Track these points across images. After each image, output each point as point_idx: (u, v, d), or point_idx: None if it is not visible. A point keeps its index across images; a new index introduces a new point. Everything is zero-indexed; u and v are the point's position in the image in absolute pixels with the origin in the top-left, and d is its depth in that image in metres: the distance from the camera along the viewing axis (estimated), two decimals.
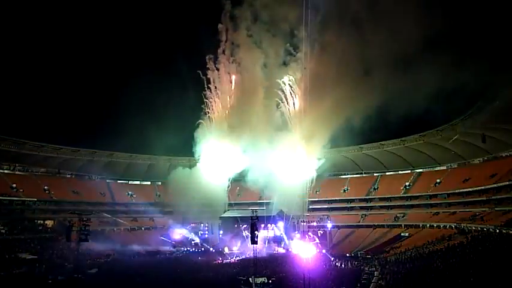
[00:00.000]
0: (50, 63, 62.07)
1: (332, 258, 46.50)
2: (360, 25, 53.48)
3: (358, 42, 54.14)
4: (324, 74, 57.91)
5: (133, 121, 62.68)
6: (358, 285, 27.88)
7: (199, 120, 69.39)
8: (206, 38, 67.24)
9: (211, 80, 68.65)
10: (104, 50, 66.85)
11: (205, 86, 68.45)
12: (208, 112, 70.30)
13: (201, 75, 67.29)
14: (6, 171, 62.24)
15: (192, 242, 62.00)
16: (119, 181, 75.95)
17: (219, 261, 48.38)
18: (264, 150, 61.24)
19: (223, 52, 67.44)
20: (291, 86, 65.22)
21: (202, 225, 64.00)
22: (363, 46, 53.87)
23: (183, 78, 66.48)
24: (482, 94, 47.41)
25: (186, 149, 69.84)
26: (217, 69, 68.08)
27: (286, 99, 65.75)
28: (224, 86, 69.32)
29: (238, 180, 67.78)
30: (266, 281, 30.61)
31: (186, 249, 59.64)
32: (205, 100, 69.87)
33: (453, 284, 22.64)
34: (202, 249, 59.79)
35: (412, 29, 45.49)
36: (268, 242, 58.36)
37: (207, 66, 67.54)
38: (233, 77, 68.61)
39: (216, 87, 69.34)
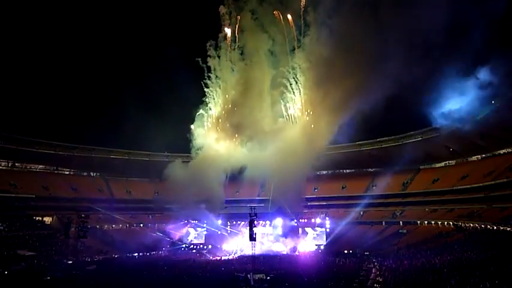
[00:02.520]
0: (47, 59, 62.03)
1: (330, 255, 46.61)
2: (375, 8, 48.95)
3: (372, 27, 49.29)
4: (332, 62, 54.19)
5: (132, 117, 62.58)
6: (356, 281, 27.94)
7: (199, 112, 66.91)
8: (206, 22, 63.41)
9: (212, 68, 64.19)
10: (101, 43, 66.35)
11: (206, 74, 64.64)
12: (208, 103, 67.11)
13: (201, 63, 63.44)
14: (4, 168, 62.16)
15: (190, 239, 62.05)
16: (117, 178, 75.82)
17: (217, 258, 48.48)
18: (265, 145, 59.89)
19: (225, 37, 63.08)
20: (296, 75, 61.58)
21: (200, 222, 63.97)
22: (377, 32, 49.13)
23: (182, 68, 63.25)
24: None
25: (184, 144, 69.05)
26: (219, 57, 63.72)
27: (292, 90, 62.18)
28: (226, 75, 64.94)
29: (237, 177, 67.46)
30: (264, 277, 30.69)
31: (184, 246, 59.72)
32: (205, 89, 66.24)
33: (451, 280, 22.72)
34: (201, 246, 59.85)
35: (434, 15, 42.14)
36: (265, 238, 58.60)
37: (208, 53, 63.22)
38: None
39: (216, 76, 65.27)
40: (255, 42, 60.01)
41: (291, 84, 62.27)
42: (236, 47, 63.16)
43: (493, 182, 50.70)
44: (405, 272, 28.79)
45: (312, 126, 58.66)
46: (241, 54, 63.11)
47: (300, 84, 62.28)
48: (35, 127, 61.00)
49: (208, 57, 63.42)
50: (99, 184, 71.46)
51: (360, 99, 51.78)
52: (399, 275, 28.10)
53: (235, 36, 62.97)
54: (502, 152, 55.84)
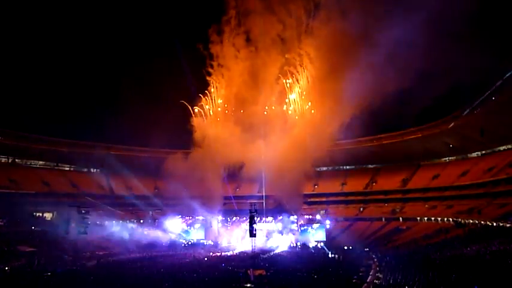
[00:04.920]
0: (46, 54, 61.65)
1: (330, 251, 46.69)
2: None
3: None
4: (340, 49, 50.55)
5: (132, 112, 62.21)
6: (356, 277, 27.99)
7: (200, 103, 63.96)
8: (208, 3, 58.34)
9: (215, 55, 59.85)
10: (99, 38, 65.31)
11: (207, 62, 60.77)
12: (209, 94, 63.48)
13: (202, 50, 59.53)
14: (4, 164, 62.19)
15: (189, 237, 62.01)
16: (117, 174, 75.73)
17: (218, 254, 48.54)
18: (266, 141, 58.26)
19: (230, 21, 58.48)
20: (303, 63, 57.68)
21: (200, 218, 63.87)
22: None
23: (182, 56, 58.44)
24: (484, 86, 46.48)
25: (185, 139, 68.09)
26: (222, 42, 59.45)
27: (299, 80, 58.25)
28: (229, 62, 60.27)
29: (237, 173, 67.17)
30: (264, 273, 30.77)
31: (184, 242, 59.73)
32: (207, 78, 62.39)
33: (450, 277, 22.77)
34: (201, 242, 59.87)
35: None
36: (266, 236, 58.61)
37: (210, 39, 58.95)
38: None
39: (219, 64, 61.11)
40: (262, 26, 55.08)
41: (298, 73, 59.05)
42: (241, 31, 58.56)
43: (492, 179, 50.86)
44: (405, 268, 28.86)
45: (317, 121, 56.44)
46: (247, 40, 58.61)
47: (307, 73, 58.92)
48: (35, 123, 60.82)
49: (211, 43, 59.52)
50: (99, 180, 71.48)
51: (369, 92, 49.25)
52: (399, 271, 28.17)
53: (240, 20, 58.25)
54: (502, 148, 55.94)
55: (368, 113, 52.77)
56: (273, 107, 61.38)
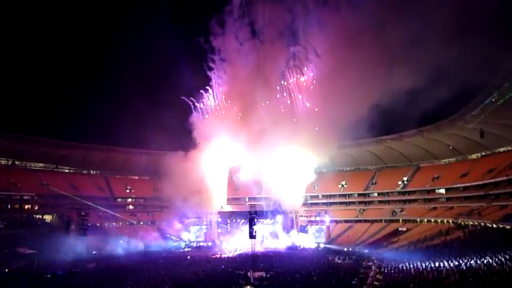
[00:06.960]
0: (45, 57, 61.78)
1: (329, 253, 46.59)
2: None
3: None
4: (348, 45, 48.29)
5: (131, 114, 62.15)
6: (356, 279, 27.94)
7: (201, 100, 62.21)
8: None
9: (216, 48, 56.85)
10: (95, 37, 65.09)
11: (208, 57, 57.81)
12: (211, 89, 61.47)
13: (203, 43, 56.32)
14: (4, 166, 62.17)
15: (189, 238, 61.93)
16: (117, 176, 75.79)
17: (217, 256, 48.45)
18: (266, 142, 57.51)
19: (233, 11, 55.02)
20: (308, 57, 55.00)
21: (200, 219, 63.67)
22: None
23: (181, 49, 56.63)
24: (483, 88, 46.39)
25: (184, 141, 67.60)
26: (224, 35, 56.31)
27: (302, 75, 55.71)
28: (232, 56, 56.95)
29: (237, 174, 66.90)
30: (264, 275, 30.74)
31: (184, 244, 59.68)
32: (208, 73, 59.49)
33: (450, 278, 22.75)
34: (200, 243, 59.79)
35: None
36: (266, 237, 58.50)
37: (212, 31, 55.76)
38: None
39: (221, 58, 58.33)
40: (267, 17, 51.83)
41: (304, 67, 56.35)
42: (245, 23, 55.24)
43: (492, 180, 50.79)
44: (404, 269, 28.82)
45: (321, 121, 54.96)
46: (251, 32, 55.54)
47: (313, 68, 56.58)
48: (35, 125, 60.93)
49: (212, 36, 56.28)
50: (99, 182, 71.47)
51: (373, 92, 47.49)
52: (398, 272, 28.14)
53: (244, 10, 54.73)
54: (501, 149, 55.92)
55: (369, 114, 52.46)
56: (277, 104, 59.70)
